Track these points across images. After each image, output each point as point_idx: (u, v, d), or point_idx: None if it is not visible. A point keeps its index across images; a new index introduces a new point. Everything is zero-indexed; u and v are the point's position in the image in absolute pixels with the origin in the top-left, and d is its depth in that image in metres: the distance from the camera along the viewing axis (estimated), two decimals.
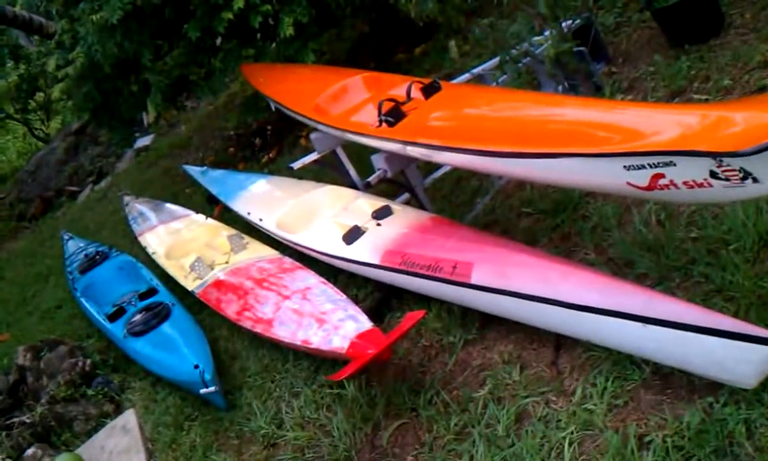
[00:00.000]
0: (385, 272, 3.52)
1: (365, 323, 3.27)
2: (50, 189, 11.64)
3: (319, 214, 4.43)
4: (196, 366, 3.67)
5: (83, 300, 5.52)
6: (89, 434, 4.13)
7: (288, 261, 4.35)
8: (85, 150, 12.02)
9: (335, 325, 3.35)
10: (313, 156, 4.69)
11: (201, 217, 5.89)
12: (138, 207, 6.80)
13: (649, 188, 2.24)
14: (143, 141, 10.71)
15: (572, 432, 2.49)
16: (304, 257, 4.29)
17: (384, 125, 3.65)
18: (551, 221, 3.63)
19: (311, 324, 3.48)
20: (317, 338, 3.37)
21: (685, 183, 2.14)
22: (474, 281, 2.98)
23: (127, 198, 7.23)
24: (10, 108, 14.19)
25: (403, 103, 3.71)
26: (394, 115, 3.62)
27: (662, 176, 2.16)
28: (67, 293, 6.52)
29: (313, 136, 4.63)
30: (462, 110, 3.37)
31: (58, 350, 4.79)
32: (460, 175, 4.60)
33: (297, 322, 3.59)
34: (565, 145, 2.50)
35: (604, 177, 2.37)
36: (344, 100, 4.42)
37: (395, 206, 3.98)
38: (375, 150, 3.97)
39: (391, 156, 3.82)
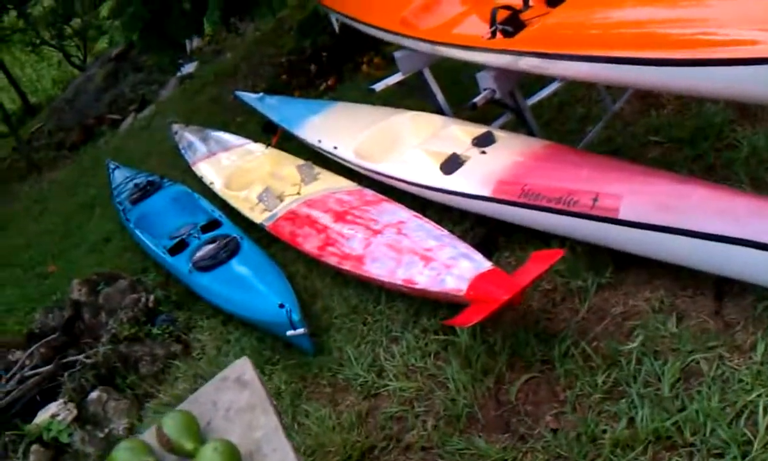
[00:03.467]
0: (498, 205, 3.09)
1: (483, 263, 2.83)
2: (90, 117, 11.21)
3: (404, 142, 4.04)
4: (282, 306, 3.28)
5: (138, 232, 5.15)
6: (156, 376, 3.82)
7: (370, 193, 3.92)
8: (125, 77, 11.55)
9: (446, 263, 2.93)
10: (397, 77, 4.26)
11: (259, 146, 5.46)
12: (188, 136, 6.35)
13: None
14: (187, 69, 10.25)
15: (763, 395, 2.08)
16: (385, 189, 3.87)
17: (499, 35, 3.16)
18: (689, 151, 3.17)
19: (414, 262, 3.07)
20: (424, 278, 2.96)
21: None
22: (623, 216, 2.54)
23: (176, 126, 6.79)
24: (46, 34, 13.77)
25: (521, 12, 3.21)
26: (512, 23, 3.13)
27: None
28: (116, 225, 6.17)
29: (398, 54, 4.18)
30: (603, 14, 2.85)
31: (117, 284, 4.42)
32: (561, 100, 4.14)
33: (395, 259, 3.17)
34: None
35: None
36: (438, 13, 3.90)
37: (497, 133, 3.54)
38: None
39: (500, 74, 3.35)
